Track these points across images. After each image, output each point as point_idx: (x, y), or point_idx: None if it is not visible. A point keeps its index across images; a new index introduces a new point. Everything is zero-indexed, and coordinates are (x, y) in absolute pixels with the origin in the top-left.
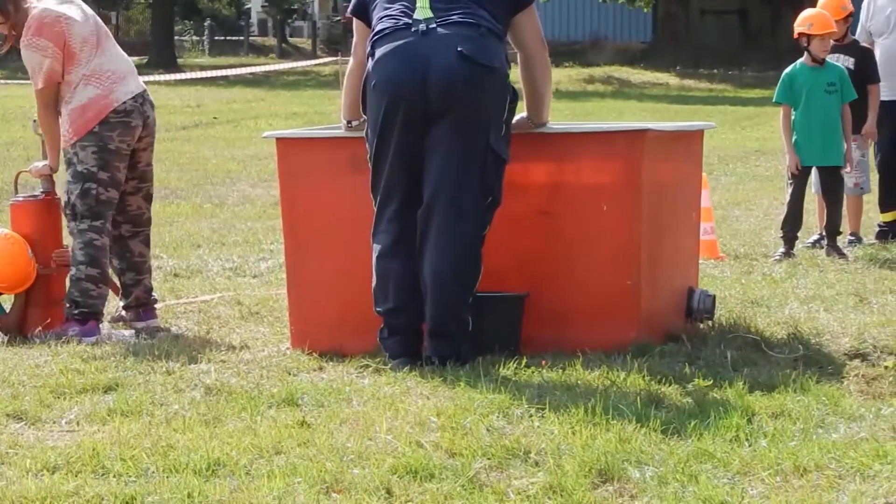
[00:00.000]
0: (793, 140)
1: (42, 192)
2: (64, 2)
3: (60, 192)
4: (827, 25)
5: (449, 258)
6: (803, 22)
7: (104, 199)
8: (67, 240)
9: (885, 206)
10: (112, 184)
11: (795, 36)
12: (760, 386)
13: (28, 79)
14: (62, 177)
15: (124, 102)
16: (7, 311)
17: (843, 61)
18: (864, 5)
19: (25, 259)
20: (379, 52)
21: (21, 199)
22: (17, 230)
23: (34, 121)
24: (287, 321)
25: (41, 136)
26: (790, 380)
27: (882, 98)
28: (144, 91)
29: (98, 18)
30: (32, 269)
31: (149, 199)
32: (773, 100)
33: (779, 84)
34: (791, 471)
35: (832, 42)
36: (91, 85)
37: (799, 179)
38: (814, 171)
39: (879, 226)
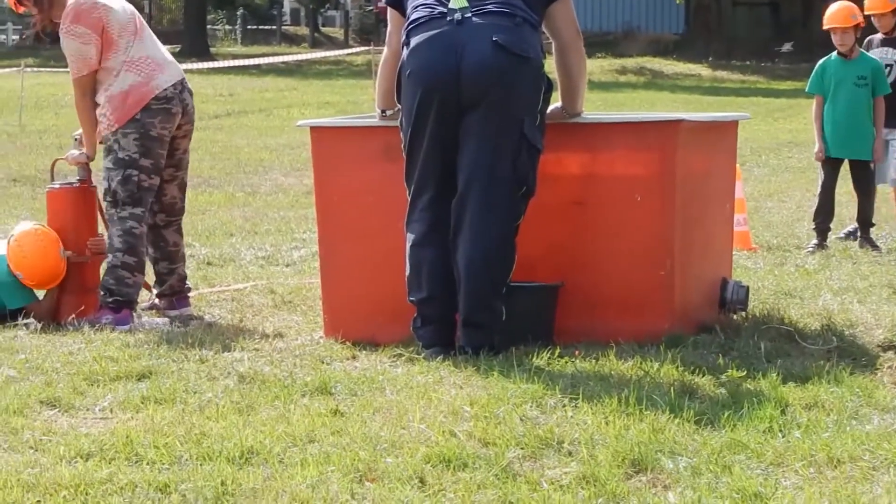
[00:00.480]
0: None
1: (78, 180)
2: None
3: (96, 180)
4: (838, 20)
5: (482, 248)
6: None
7: (146, 185)
8: (102, 228)
9: None
10: (154, 171)
11: (823, 28)
12: (794, 377)
13: (60, 67)
14: (97, 165)
15: (165, 89)
16: (41, 298)
17: (892, 55)
18: None
19: (56, 255)
20: (414, 41)
21: (57, 186)
22: (53, 217)
23: (76, 139)
24: (320, 310)
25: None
26: (824, 371)
27: None
28: (183, 79)
29: (133, 7)
30: (63, 265)
31: (183, 188)
32: (806, 90)
33: (812, 74)
34: (825, 462)
35: (882, 35)
36: (131, 72)
37: (828, 171)
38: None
39: None
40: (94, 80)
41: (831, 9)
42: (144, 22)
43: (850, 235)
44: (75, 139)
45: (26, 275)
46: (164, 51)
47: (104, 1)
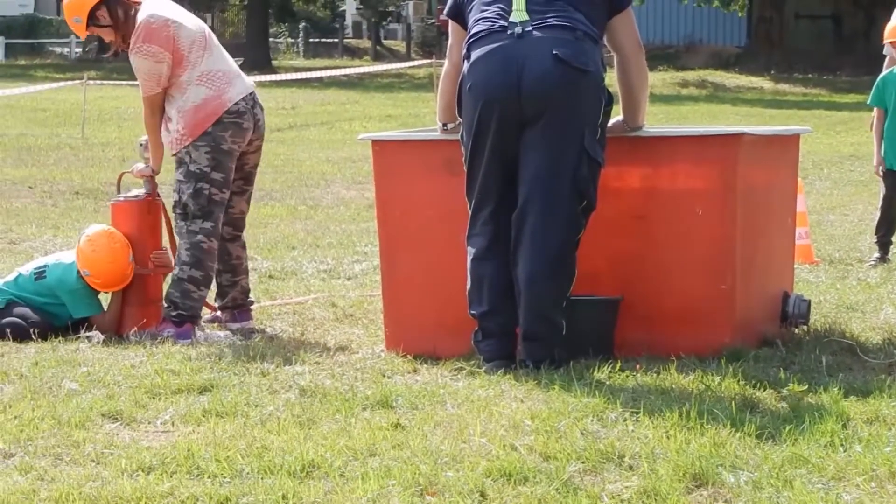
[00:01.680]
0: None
1: (144, 193)
2: (169, 4)
3: (164, 193)
4: (890, 34)
5: (543, 261)
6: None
7: (217, 199)
8: (166, 242)
9: None
10: (224, 184)
11: (882, 41)
12: (855, 391)
13: (122, 79)
14: (162, 178)
15: (237, 103)
16: (105, 310)
17: None
18: None
19: (125, 259)
20: (474, 55)
21: (122, 199)
22: (118, 229)
23: (140, 144)
24: (381, 323)
25: (146, 158)
26: (885, 385)
27: None
28: (254, 92)
29: (202, 21)
30: (130, 270)
31: (249, 202)
32: (867, 102)
33: (873, 88)
34: (886, 476)
35: None
36: (203, 86)
37: (889, 184)
38: None
39: None
40: (164, 97)
41: (891, 22)
42: (213, 35)
43: None
44: (140, 144)
45: (94, 273)
46: (234, 64)
47: (174, 17)
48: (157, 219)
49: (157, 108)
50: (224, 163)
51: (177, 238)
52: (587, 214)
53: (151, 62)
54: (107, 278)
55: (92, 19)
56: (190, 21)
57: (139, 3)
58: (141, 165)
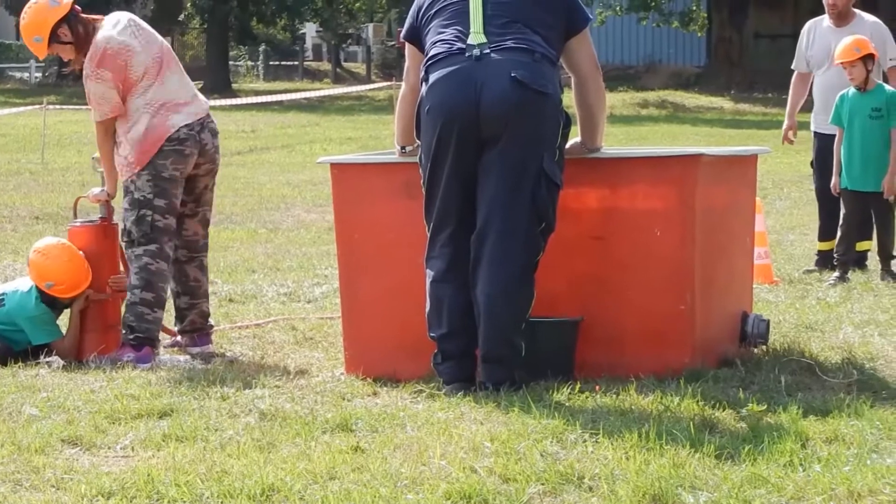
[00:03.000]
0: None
1: (99, 218)
2: (129, 26)
3: (118, 218)
4: (843, 55)
5: (501, 283)
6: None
7: (160, 225)
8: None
9: (822, 236)
10: (168, 210)
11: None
12: (814, 411)
13: (82, 104)
14: (119, 203)
15: (178, 129)
16: (64, 335)
17: None
18: (804, 31)
19: (79, 259)
20: (433, 77)
21: (79, 223)
22: None
23: (94, 158)
24: (341, 346)
25: (101, 173)
26: (844, 404)
27: (820, 131)
28: (204, 118)
29: (165, 43)
30: (88, 270)
31: (205, 223)
32: (828, 122)
33: (833, 107)
34: (845, 496)
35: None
36: (148, 113)
37: (847, 203)
38: None
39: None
40: (115, 121)
41: (840, 44)
42: (175, 58)
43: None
44: (93, 158)
45: (55, 280)
46: (191, 88)
47: (131, 43)
48: (114, 243)
49: (109, 132)
50: (167, 189)
51: (127, 264)
52: (546, 236)
53: (104, 87)
54: (70, 280)
55: (53, 37)
56: (147, 45)
57: (99, 20)
58: (97, 190)
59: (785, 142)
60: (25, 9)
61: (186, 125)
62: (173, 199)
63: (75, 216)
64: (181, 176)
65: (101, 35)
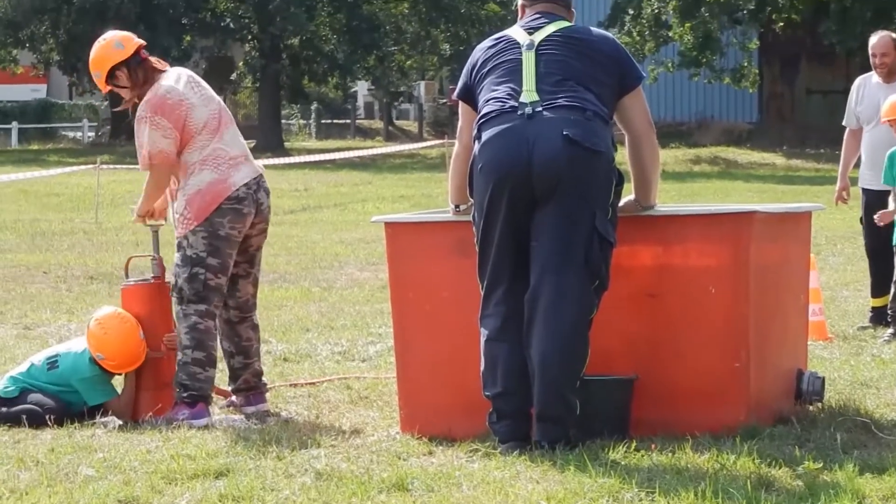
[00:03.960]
0: None
1: (152, 277)
2: (189, 82)
3: (170, 276)
4: (889, 113)
5: (556, 341)
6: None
7: (213, 284)
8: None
9: (875, 292)
10: (221, 269)
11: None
12: (870, 468)
13: (135, 163)
14: (169, 260)
15: (237, 189)
16: (119, 395)
17: None
18: (854, 87)
19: (136, 338)
20: (485, 135)
21: (132, 283)
22: (129, 313)
23: (131, 208)
24: (396, 405)
25: (151, 227)
26: None
27: (868, 187)
28: (259, 177)
29: (221, 102)
30: (143, 349)
31: (256, 283)
32: (875, 178)
33: (884, 167)
34: None
35: None
36: (207, 169)
37: None
38: None
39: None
40: (170, 174)
41: (887, 101)
42: (231, 117)
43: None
44: (131, 209)
45: (108, 355)
46: (244, 147)
47: (190, 97)
48: (167, 301)
49: (162, 184)
50: (222, 248)
51: (175, 322)
52: (600, 293)
53: (158, 133)
54: (121, 359)
55: (111, 78)
56: (205, 100)
57: (162, 70)
58: (135, 207)
59: (838, 202)
60: (97, 41)
61: (245, 184)
62: (227, 258)
63: (127, 275)
64: (238, 235)
65: (163, 83)
